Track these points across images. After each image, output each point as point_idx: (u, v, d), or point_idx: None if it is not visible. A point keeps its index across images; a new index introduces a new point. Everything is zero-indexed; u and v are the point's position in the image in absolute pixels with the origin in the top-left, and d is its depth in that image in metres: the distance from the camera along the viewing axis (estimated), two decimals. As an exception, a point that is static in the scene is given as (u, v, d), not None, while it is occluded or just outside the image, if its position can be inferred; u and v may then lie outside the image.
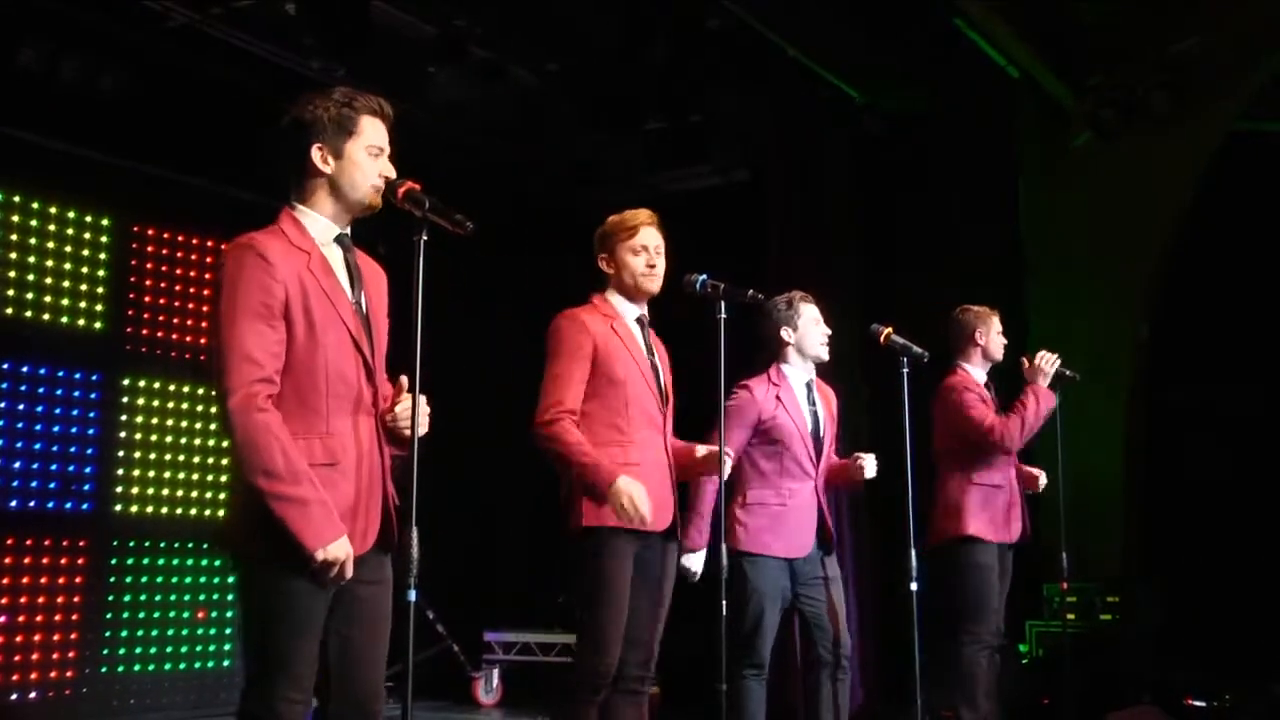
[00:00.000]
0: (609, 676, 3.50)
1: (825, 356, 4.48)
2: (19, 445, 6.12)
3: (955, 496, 5.01)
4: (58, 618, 6.15)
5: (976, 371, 5.19)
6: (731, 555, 4.18)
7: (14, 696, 5.92)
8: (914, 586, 4.39)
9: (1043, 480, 5.24)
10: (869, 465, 4.25)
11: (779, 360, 4.48)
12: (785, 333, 4.45)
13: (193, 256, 6.94)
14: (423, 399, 2.71)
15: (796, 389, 4.44)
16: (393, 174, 2.76)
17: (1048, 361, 5.06)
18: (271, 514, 2.51)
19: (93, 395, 6.44)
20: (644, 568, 3.59)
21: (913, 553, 4.40)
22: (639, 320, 3.75)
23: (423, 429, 2.70)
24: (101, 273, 6.53)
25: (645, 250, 3.71)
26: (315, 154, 2.72)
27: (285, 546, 2.52)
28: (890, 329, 4.48)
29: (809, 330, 4.44)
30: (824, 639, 4.32)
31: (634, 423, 3.60)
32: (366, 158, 2.74)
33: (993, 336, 5.19)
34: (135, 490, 6.58)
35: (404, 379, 2.75)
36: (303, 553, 2.50)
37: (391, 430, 2.77)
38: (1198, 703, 6.19)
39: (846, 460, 4.47)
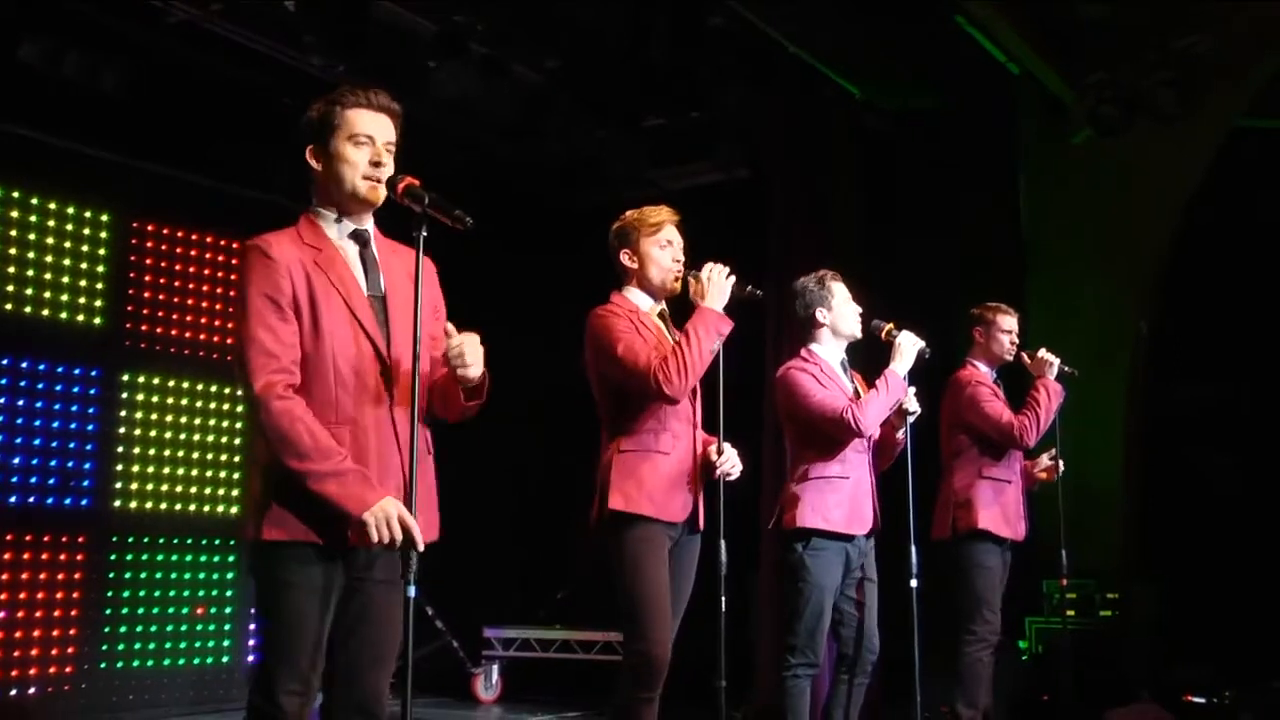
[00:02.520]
0: (665, 667, 3.47)
1: (860, 334, 4.46)
2: (18, 441, 6.12)
3: (965, 490, 5.03)
4: (57, 613, 6.15)
5: (985, 368, 5.21)
6: (791, 535, 4.24)
7: (13, 692, 5.93)
8: (914, 583, 4.39)
9: (1060, 466, 5.27)
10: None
11: (809, 341, 4.47)
12: (820, 314, 4.42)
13: (192, 252, 6.94)
14: (475, 337, 2.72)
15: (835, 368, 4.44)
16: (383, 158, 2.76)
17: (1050, 355, 5.11)
18: (292, 499, 2.57)
19: (92, 391, 6.44)
20: (670, 564, 3.60)
21: (913, 549, 4.40)
22: (660, 315, 3.76)
23: (477, 370, 2.72)
24: (101, 269, 6.53)
25: (671, 245, 3.72)
26: (309, 155, 2.79)
27: (291, 537, 2.57)
28: (892, 324, 4.48)
29: (843, 309, 4.43)
30: (853, 640, 4.36)
31: (669, 413, 3.62)
32: (351, 149, 2.75)
33: (994, 335, 5.19)
34: (134, 486, 6.59)
35: (449, 325, 2.77)
36: (352, 520, 2.55)
37: (454, 374, 2.73)
38: (1197, 699, 6.20)
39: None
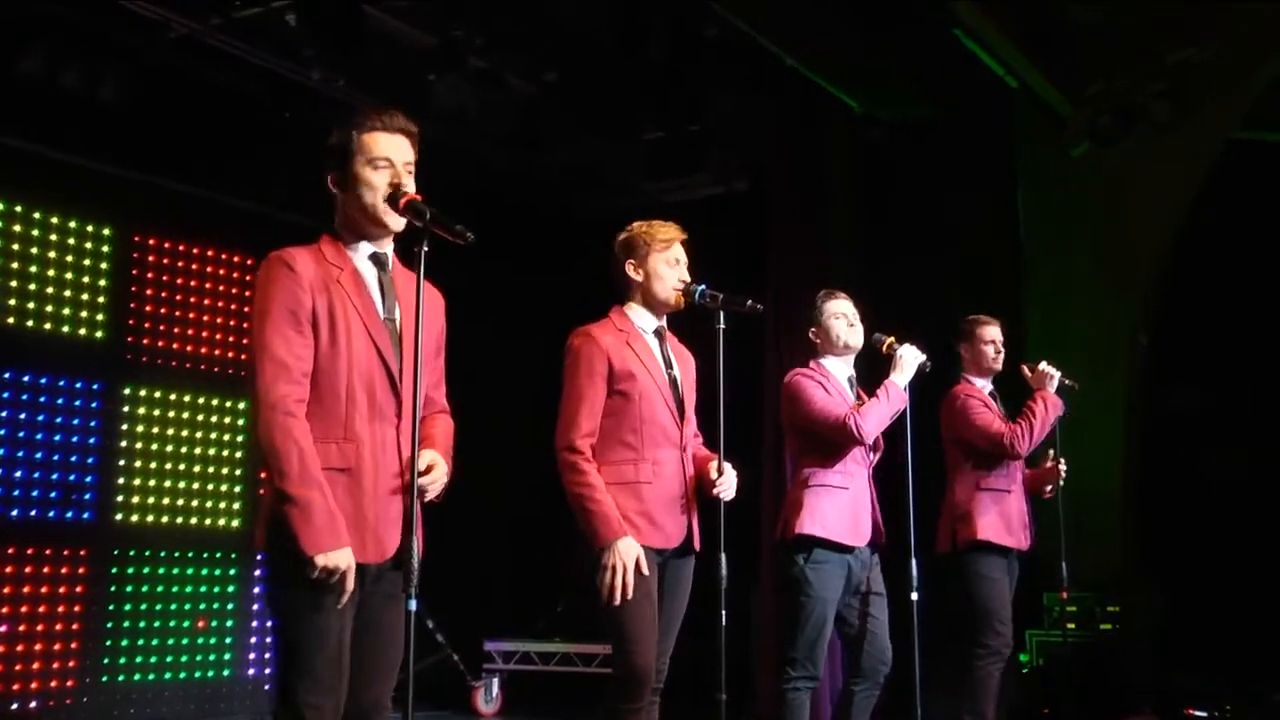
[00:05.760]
0: (650, 680, 3.47)
1: (853, 345, 4.48)
2: (20, 454, 6.12)
3: (965, 502, 5.02)
4: (58, 627, 6.15)
5: (979, 381, 5.19)
6: (793, 545, 4.25)
7: (14, 706, 5.92)
8: (914, 596, 4.39)
9: (1062, 468, 5.21)
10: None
11: (817, 355, 4.52)
12: (811, 332, 4.51)
13: (193, 266, 6.96)
14: (444, 464, 2.80)
15: (842, 382, 4.47)
16: (403, 179, 2.79)
17: (1051, 369, 5.11)
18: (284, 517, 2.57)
19: (94, 404, 6.45)
20: (658, 584, 3.58)
21: (914, 562, 4.40)
22: (657, 332, 3.75)
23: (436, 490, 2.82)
24: (103, 282, 6.55)
25: (679, 264, 3.72)
26: (330, 182, 2.83)
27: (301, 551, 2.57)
28: (892, 338, 4.49)
29: (831, 325, 4.47)
30: (865, 651, 4.37)
31: (647, 441, 3.60)
32: (370, 172, 2.78)
33: (979, 348, 5.17)
34: (136, 499, 6.59)
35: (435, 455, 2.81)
36: (302, 557, 2.54)
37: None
38: (1198, 712, 6.19)
39: None
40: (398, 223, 2.78)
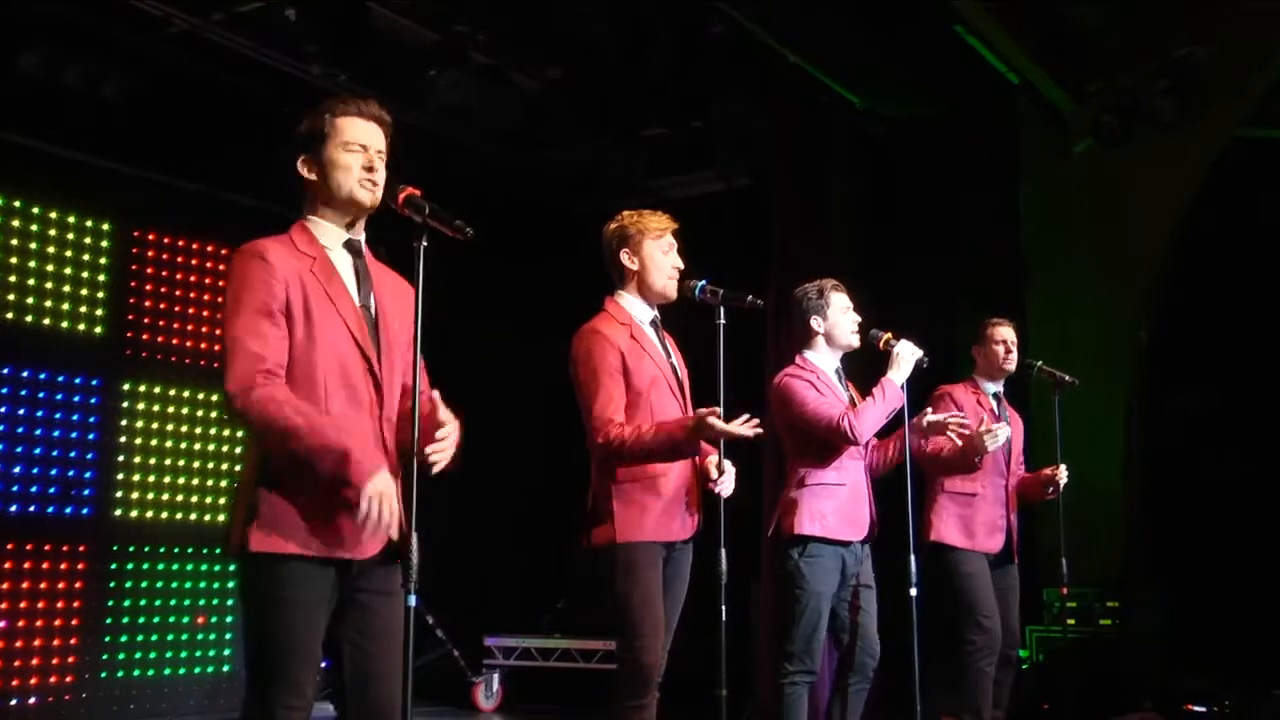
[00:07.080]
0: (657, 675, 3.48)
1: (856, 344, 4.46)
2: (19, 450, 6.12)
3: (930, 503, 5.03)
4: (57, 623, 6.15)
5: (985, 383, 5.17)
6: (788, 541, 4.24)
7: (14, 702, 5.92)
8: (913, 592, 4.38)
9: (1062, 476, 5.06)
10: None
11: (805, 348, 4.48)
12: (815, 322, 4.44)
13: (193, 261, 6.96)
14: (455, 427, 2.71)
15: (830, 376, 4.44)
16: (375, 165, 2.76)
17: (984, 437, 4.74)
18: (283, 510, 2.54)
19: (93, 400, 6.45)
20: (664, 575, 3.59)
21: (912, 558, 4.40)
22: (653, 323, 3.74)
23: (446, 459, 2.71)
24: (102, 278, 6.54)
25: (672, 251, 3.72)
26: (301, 166, 2.80)
27: (282, 550, 2.54)
28: (890, 334, 4.47)
29: (839, 319, 4.43)
30: (853, 645, 4.36)
31: None
32: (344, 155, 2.75)
33: (990, 348, 5.15)
34: (135, 495, 6.59)
35: (445, 413, 2.72)
36: (347, 486, 2.52)
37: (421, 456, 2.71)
38: (1198, 708, 6.19)
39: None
40: (372, 201, 2.75)
